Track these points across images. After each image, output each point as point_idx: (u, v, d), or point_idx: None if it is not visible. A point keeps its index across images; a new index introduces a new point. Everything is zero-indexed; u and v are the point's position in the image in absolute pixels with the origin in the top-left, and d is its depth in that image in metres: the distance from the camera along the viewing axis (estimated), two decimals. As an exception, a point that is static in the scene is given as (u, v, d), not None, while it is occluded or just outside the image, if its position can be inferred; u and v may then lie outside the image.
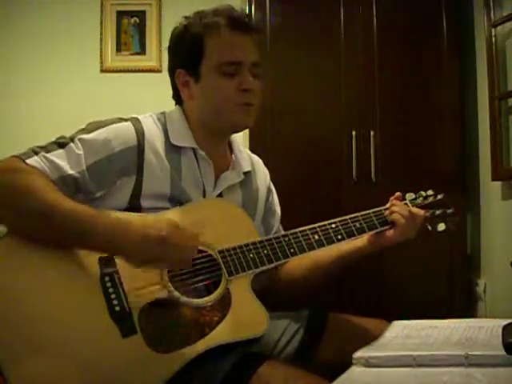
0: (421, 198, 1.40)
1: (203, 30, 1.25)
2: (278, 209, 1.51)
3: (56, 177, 1.13)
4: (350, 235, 1.31)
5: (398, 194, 1.38)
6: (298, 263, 1.39)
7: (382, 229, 1.32)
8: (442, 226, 1.39)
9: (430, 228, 1.39)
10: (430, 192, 1.42)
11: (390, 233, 1.32)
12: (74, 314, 1.06)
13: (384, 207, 1.36)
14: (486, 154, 2.24)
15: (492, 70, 2.18)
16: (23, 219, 1.08)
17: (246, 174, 1.39)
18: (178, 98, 1.34)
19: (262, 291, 1.23)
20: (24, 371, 1.00)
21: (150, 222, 1.09)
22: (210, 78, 1.26)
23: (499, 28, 2.17)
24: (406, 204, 1.36)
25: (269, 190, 1.48)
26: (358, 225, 1.31)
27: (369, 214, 1.34)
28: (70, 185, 1.15)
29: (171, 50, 1.33)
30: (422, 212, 1.34)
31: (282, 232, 1.43)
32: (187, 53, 1.27)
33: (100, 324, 1.06)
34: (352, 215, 1.33)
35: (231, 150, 1.39)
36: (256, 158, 1.49)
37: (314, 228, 1.29)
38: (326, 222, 1.31)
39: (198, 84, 1.27)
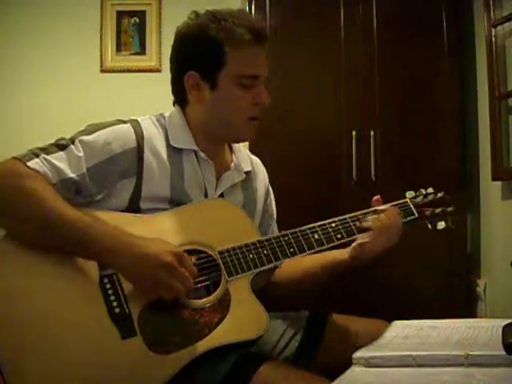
0: (421, 197, 1.40)
1: (224, 36, 1.22)
2: (275, 210, 1.51)
3: (56, 180, 1.13)
4: (350, 234, 1.30)
5: (377, 196, 1.36)
6: (287, 269, 1.40)
7: (357, 236, 1.30)
8: (441, 225, 1.38)
9: (429, 226, 1.38)
10: (431, 190, 1.41)
11: (366, 242, 1.28)
12: (74, 316, 1.06)
13: (385, 206, 1.35)
14: (486, 154, 2.24)
15: (492, 70, 2.18)
16: (24, 225, 1.08)
17: (247, 173, 1.39)
18: (180, 97, 1.32)
19: (260, 291, 1.23)
20: (23, 372, 1.00)
21: (158, 244, 1.10)
22: (227, 87, 1.24)
23: (499, 28, 2.17)
24: (357, 219, 1.32)
25: (267, 191, 1.48)
26: (357, 223, 1.31)
27: (369, 212, 1.34)
28: (70, 188, 1.14)
29: (181, 49, 1.29)
30: (398, 220, 1.30)
31: (281, 232, 1.43)
32: (204, 57, 1.24)
33: (100, 326, 1.06)
34: (351, 214, 1.33)
35: (231, 150, 1.39)
36: (255, 158, 1.49)
37: (314, 227, 1.29)
38: (325, 222, 1.30)
39: (214, 91, 1.25)
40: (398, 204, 1.36)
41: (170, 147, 1.26)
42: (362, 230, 1.31)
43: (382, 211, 1.32)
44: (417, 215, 1.36)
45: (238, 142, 1.38)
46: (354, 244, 1.29)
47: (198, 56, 1.26)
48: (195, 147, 1.28)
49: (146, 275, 1.08)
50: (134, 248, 1.08)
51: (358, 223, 1.31)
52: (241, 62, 1.24)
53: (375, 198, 1.36)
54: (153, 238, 1.12)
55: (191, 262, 1.13)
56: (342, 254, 1.32)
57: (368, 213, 1.33)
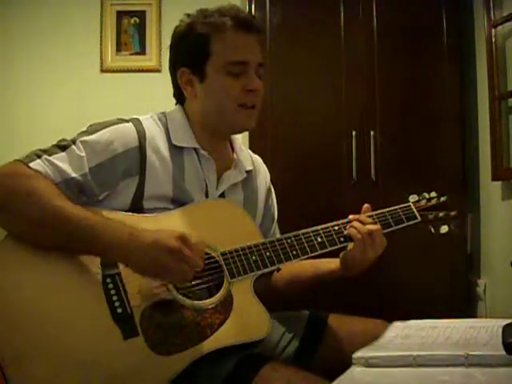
0: (424, 201, 1.39)
1: (209, 29, 1.24)
2: (276, 209, 1.51)
3: (59, 180, 1.13)
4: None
5: (366, 205, 1.34)
6: (280, 274, 1.40)
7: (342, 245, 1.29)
8: (444, 229, 1.37)
9: (433, 230, 1.38)
10: (434, 194, 1.41)
11: (351, 252, 1.27)
12: (76, 316, 1.06)
13: (388, 209, 1.35)
14: (486, 154, 2.25)
15: (492, 70, 2.18)
16: (27, 224, 1.08)
17: (248, 172, 1.39)
18: (179, 96, 1.33)
19: (261, 292, 1.22)
20: (25, 372, 1.00)
21: (161, 232, 1.10)
22: (215, 77, 1.25)
23: (499, 28, 2.17)
24: (371, 217, 1.30)
25: (269, 190, 1.48)
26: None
27: (371, 215, 1.33)
28: (73, 188, 1.14)
29: (174, 48, 1.32)
30: (378, 229, 1.27)
31: (279, 235, 1.44)
32: (192, 52, 1.26)
33: (102, 326, 1.06)
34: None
35: (233, 149, 1.39)
36: (257, 157, 1.49)
37: (317, 230, 1.28)
38: (329, 224, 1.29)
39: (203, 83, 1.27)
40: (401, 208, 1.36)
41: (171, 146, 1.26)
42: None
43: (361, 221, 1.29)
44: (419, 219, 1.35)
45: (234, 132, 1.36)
46: (342, 254, 1.29)
47: (186, 52, 1.28)
48: (196, 145, 1.29)
49: (153, 262, 1.07)
50: (139, 238, 1.08)
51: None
52: (225, 49, 1.24)
53: (365, 205, 1.34)
54: (156, 229, 1.11)
55: (197, 243, 1.11)
56: (335, 263, 1.32)
57: (371, 216, 1.32)
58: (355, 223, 1.27)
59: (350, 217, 1.30)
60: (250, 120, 1.29)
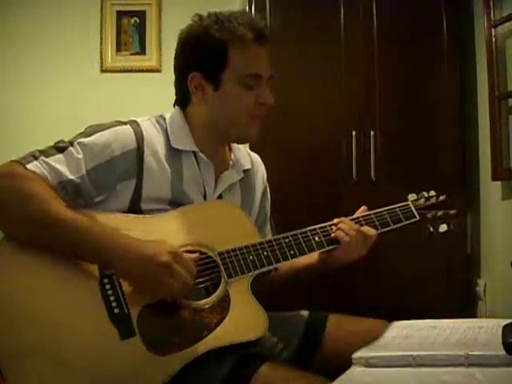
0: (423, 199, 1.39)
1: (227, 37, 1.23)
2: (269, 208, 1.51)
3: (56, 182, 1.13)
4: None
5: (363, 207, 1.36)
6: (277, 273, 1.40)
7: (330, 248, 1.30)
8: (443, 227, 1.38)
9: (431, 229, 1.38)
10: (433, 193, 1.41)
11: (336, 252, 1.29)
12: (73, 316, 1.06)
13: (387, 208, 1.35)
14: (486, 154, 2.25)
15: (492, 70, 2.18)
16: (22, 226, 1.09)
17: (246, 171, 1.39)
18: (183, 98, 1.32)
19: (259, 292, 1.22)
20: (23, 372, 1.00)
21: (156, 244, 1.10)
22: (230, 87, 1.25)
23: (499, 28, 2.17)
24: (358, 221, 1.32)
25: (265, 190, 1.48)
26: (359, 226, 1.31)
27: (370, 214, 1.34)
28: (69, 190, 1.14)
29: (186, 50, 1.29)
30: (372, 232, 1.30)
31: (271, 233, 1.45)
32: (208, 58, 1.25)
33: (99, 326, 1.06)
34: (352, 217, 1.33)
35: (230, 149, 1.39)
36: (255, 156, 1.49)
37: (315, 229, 1.29)
38: (326, 224, 1.30)
39: (217, 92, 1.26)
40: (399, 207, 1.36)
41: (169, 148, 1.26)
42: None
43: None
44: (418, 218, 1.36)
45: (243, 141, 1.37)
46: (323, 250, 1.30)
47: (202, 57, 1.26)
48: (195, 148, 1.29)
49: (144, 275, 1.08)
50: (132, 249, 1.09)
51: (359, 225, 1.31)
52: (244, 61, 1.25)
53: (362, 207, 1.37)
54: (151, 240, 1.12)
55: (189, 260, 1.12)
56: (309, 260, 1.33)
57: (369, 215, 1.33)
58: (342, 225, 1.28)
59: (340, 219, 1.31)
60: (256, 131, 1.30)
